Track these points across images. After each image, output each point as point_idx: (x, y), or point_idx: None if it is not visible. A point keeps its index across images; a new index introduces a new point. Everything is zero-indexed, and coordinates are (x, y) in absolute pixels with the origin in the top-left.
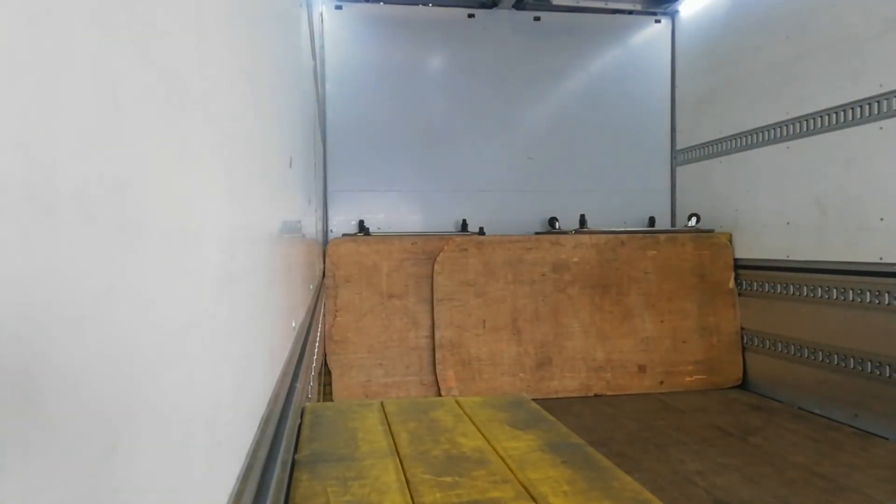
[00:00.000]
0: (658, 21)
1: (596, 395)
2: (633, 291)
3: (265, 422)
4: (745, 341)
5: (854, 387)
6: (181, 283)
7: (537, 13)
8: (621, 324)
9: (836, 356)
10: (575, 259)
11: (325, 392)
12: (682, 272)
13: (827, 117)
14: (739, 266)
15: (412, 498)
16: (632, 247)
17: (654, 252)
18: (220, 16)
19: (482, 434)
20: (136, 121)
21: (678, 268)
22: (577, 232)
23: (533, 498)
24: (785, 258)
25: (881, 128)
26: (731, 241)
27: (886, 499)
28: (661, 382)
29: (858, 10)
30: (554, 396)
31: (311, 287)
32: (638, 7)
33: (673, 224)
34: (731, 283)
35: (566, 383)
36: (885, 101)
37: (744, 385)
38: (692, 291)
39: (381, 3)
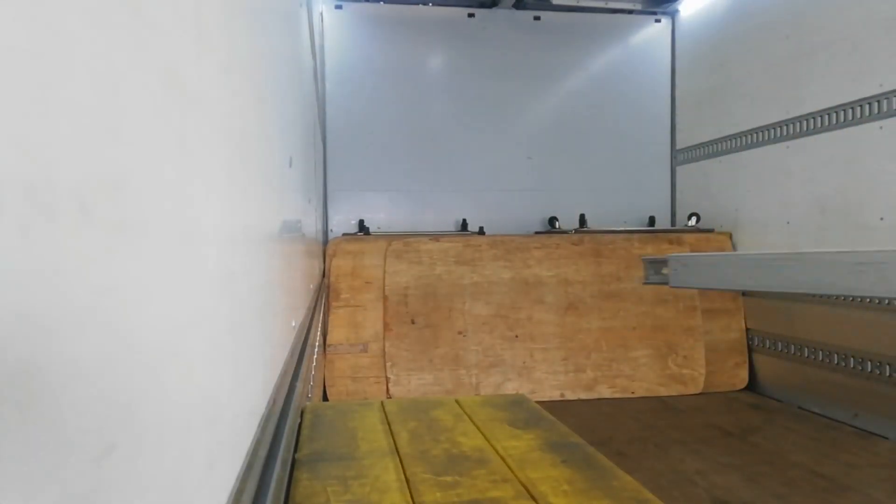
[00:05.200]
0: (658, 21)
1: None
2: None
3: (265, 421)
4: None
5: (854, 386)
6: (181, 282)
7: (537, 13)
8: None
9: (835, 356)
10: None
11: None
12: None
13: (827, 117)
14: None
15: (412, 497)
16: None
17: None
18: (219, 15)
19: (482, 433)
20: (136, 120)
21: None
22: (576, 231)
23: (533, 497)
24: None
25: (881, 127)
26: (731, 240)
27: (886, 498)
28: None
29: (858, 10)
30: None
31: (311, 287)
32: (638, 7)
33: (673, 224)
34: None
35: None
36: (885, 101)
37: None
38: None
39: (381, 3)
